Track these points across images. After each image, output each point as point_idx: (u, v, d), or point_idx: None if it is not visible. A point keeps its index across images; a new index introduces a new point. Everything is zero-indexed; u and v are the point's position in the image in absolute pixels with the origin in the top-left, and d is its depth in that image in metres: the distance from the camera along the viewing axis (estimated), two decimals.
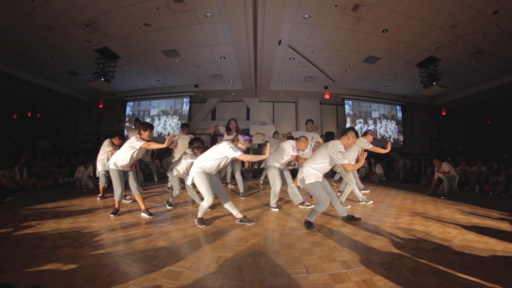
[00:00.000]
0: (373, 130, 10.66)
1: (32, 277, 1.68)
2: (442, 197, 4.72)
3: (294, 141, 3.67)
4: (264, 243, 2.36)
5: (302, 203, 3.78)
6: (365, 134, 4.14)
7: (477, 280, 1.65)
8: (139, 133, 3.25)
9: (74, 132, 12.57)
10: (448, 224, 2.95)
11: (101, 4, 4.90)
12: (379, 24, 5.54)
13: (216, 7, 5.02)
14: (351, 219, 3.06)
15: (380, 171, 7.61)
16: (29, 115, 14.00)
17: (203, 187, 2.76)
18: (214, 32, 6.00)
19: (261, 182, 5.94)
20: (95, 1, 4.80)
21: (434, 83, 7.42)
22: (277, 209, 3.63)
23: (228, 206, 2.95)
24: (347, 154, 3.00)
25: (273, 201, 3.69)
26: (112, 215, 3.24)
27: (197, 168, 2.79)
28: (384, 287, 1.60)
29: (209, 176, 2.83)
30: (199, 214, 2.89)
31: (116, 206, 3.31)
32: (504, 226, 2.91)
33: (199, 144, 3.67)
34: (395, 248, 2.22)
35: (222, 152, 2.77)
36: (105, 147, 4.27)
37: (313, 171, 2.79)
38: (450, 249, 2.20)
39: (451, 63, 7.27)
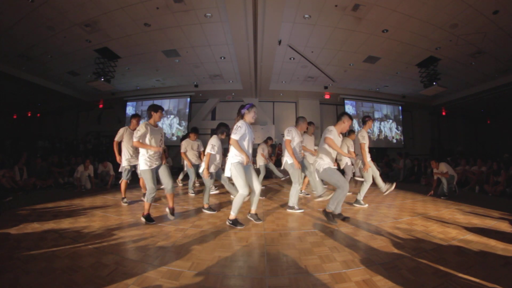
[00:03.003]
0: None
1: (32, 277, 1.67)
2: (442, 197, 4.72)
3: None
4: (264, 243, 2.36)
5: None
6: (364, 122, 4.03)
7: (477, 280, 1.65)
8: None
9: (74, 132, 12.58)
10: (448, 224, 2.94)
11: (101, 4, 4.90)
12: (379, 24, 5.54)
13: (216, 7, 5.02)
14: (339, 217, 3.09)
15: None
16: (29, 115, 14.03)
17: (239, 179, 2.72)
18: (214, 32, 6.00)
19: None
20: (95, 1, 4.80)
21: (434, 83, 7.43)
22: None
23: (255, 199, 2.96)
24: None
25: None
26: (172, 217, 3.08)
27: (232, 159, 2.78)
28: (384, 287, 1.60)
29: (244, 167, 2.80)
30: (233, 213, 2.81)
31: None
32: (504, 226, 2.91)
33: (224, 129, 3.65)
34: (395, 248, 2.21)
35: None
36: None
37: (322, 161, 2.98)
38: (450, 249, 2.20)
39: (451, 63, 7.28)
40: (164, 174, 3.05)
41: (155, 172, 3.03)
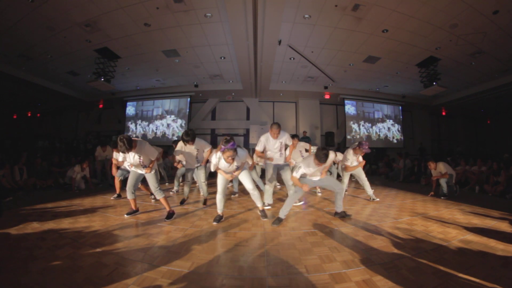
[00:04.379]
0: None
1: (32, 277, 1.68)
2: (442, 197, 4.72)
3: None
4: (264, 243, 2.36)
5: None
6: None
7: (477, 280, 1.65)
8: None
9: (74, 132, 12.58)
10: (448, 224, 2.95)
11: (101, 4, 4.89)
12: (379, 24, 5.53)
13: (216, 7, 5.02)
14: (342, 216, 3.25)
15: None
16: (29, 115, 14.01)
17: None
18: (214, 32, 5.99)
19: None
20: (95, 1, 4.80)
21: (434, 83, 7.42)
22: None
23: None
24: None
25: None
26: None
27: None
28: (384, 287, 1.60)
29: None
30: (219, 210, 3.13)
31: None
32: (504, 226, 2.91)
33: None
34: (395, 248, 2.21)
35: None
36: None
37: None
38: (450, 249, 2.20)
39: (451, 63, 7.27)
40: (148, 180, 3.22)
41: (135, 175, 3.23)
